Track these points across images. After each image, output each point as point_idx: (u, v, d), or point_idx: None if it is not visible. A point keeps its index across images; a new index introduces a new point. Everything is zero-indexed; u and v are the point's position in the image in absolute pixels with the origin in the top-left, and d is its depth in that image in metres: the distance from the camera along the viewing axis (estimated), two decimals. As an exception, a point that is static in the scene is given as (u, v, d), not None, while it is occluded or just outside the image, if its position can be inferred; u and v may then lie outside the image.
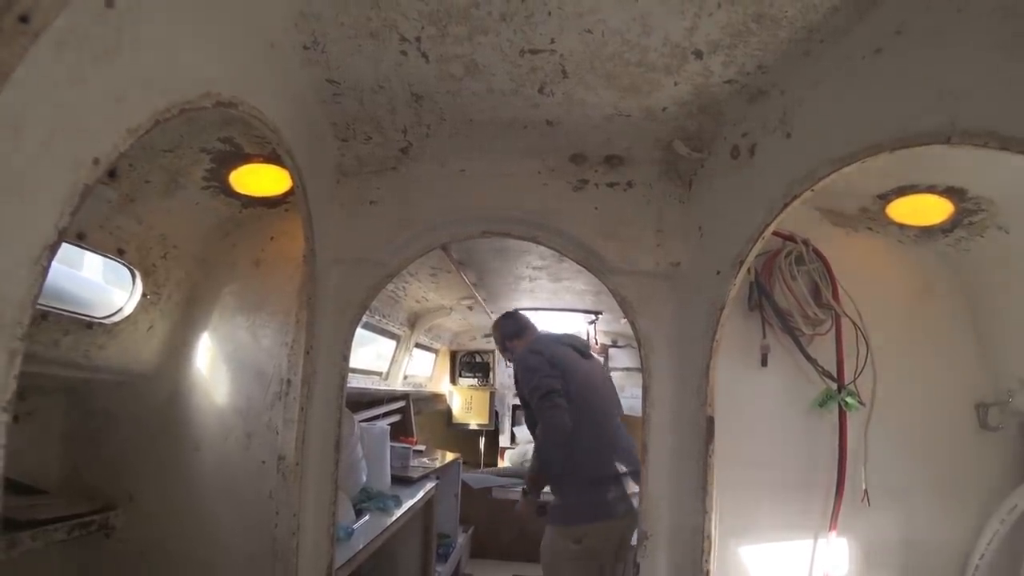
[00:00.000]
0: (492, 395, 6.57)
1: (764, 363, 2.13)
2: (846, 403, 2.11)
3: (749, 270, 2.10)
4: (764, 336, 2.15)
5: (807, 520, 2.15)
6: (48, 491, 2.20)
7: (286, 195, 2.22)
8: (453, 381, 6.62)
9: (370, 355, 4.99)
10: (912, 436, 2.22)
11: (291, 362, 2.03)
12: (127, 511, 2.26)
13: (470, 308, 5.14)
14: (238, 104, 1.31)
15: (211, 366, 2.29)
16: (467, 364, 6.62)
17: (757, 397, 2.15)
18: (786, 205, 1.66)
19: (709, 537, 1.85)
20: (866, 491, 2.14)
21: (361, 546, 2.54)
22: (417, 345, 5.40)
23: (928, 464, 2.21)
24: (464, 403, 6.56)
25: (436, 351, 6.29)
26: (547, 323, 7.20)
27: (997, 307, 2.22)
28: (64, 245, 1.99)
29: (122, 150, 0.94)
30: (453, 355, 6.60)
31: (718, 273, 1.87)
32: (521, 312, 4.23)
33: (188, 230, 2.26)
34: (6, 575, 2.01)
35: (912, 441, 2.22)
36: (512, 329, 3.93)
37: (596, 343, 6.31)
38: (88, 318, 2.08)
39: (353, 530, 2.60)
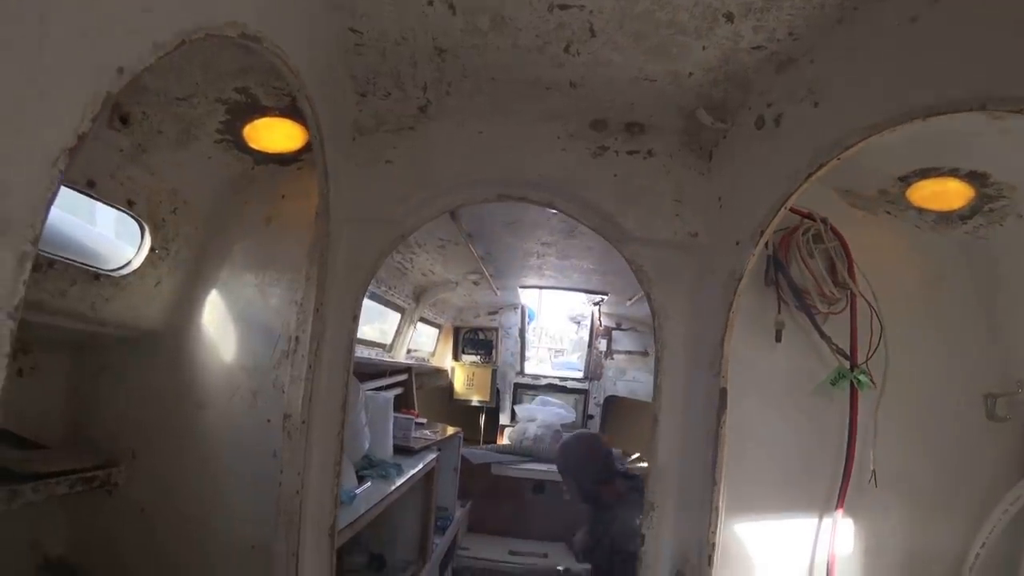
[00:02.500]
0: (494, 372, 6.56)
1: (778, 339, 2.10)
2: (858, 381, 2.09)
3: (767, 244, 2.08)
4: (779, 312, 2.12)
5: (813, 498, 2.14)
6: (49, 447, 2.19)
7: (299, 153, 2.20)
8: (456, 357, 6.59)
9: (374, 333, 4.98)
10: (920, 421, 2.21)
11: (300, 320, 2.01)
12: (130, 468, 2.26)
13: (476, 284, 5.11)
14: (262, 39, 1.28)
15: (218, 324, 2.28)
16: (470, 341, 6.59)
17: (769, 373, 2.13)
18: (811, 174, 1.63)
19: (717, 509, 1.84)
20: (874, 472, 2.12)
21: (363, 511, 2.53)
22: (421, 319, 5.38)
23: (935, 450, 2.20)
24: (466, 379, 6.55)
25: (440, 327, 6.26)
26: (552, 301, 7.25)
27: (1011, 298, 2.21)
28: (76, 198, 2.00)
29: (147, 64, 0.91)
30: (456, 331, 6.58)
31: (737, 243, 1.85)
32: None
33: (199, 185, 2.24)
34: (8, 528, 2.01)
35: (920, 426, 2.21)
36: (607, 469, 3.59)
37: (600, 326, 6.30)
38: (96, 269, 2.06)
39: (356, 495, 2.59)
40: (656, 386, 2.08)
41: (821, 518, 2.14)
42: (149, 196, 2.13)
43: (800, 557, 2.14)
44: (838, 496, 2.10)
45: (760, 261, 2.08)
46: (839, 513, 2.10)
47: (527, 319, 6.91)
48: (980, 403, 2.23)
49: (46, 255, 1.87)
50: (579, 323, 8.09)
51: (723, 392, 1.85)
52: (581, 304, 7.51)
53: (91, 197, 2.00)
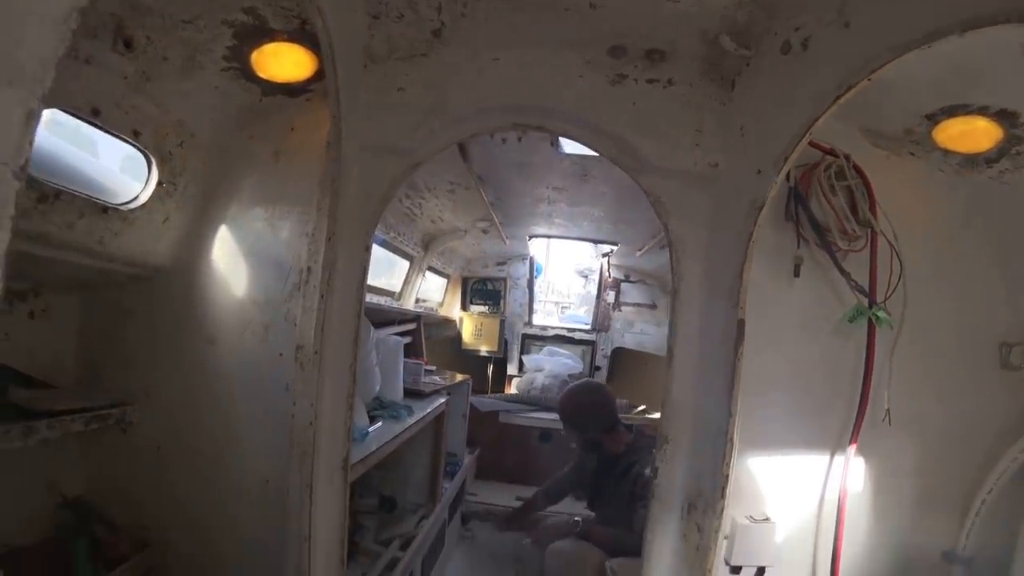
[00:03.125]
0: (502, 323, 6.53)
1: (797, 274, 2.07)
2: (877, 318, 2.07)
3: (788, 175, 2.03)
4: (798, 247, 2.08)
5: (826, 435, 2.14)
6: (59, 387, 2.21)
7: (308, 83, 2.15)
8: (464, 307, 6.56)
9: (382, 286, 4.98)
10: (935, 365, 2.20)
11: (312, 251, 1.98)
12: (143, 407, 2.28)
13: (485, 232, 5.06)
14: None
15: (228, 259, 2.26)
16: (478, 291, 6.54)
17: (787, 309, 2.10)
18: (839, 97, 1.58)
19: (732, 440, 1.83)
20: (888, 411, 2.12)
21: (375, 448, 2.54)
22: (430, 268, 5.36)
23: (949, 394, 2.20)
24: (474, 330, 6.52)
25: (448, 277, 6.24)
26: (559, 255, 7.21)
27: (1032, 247, 2.17)
28: (80, 128, 1.96)
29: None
30: (465, 281, 6.53)
31: (759, 172, 1.80)
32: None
33: (206, 117, 2.20)
34: (25, 468, 2.03)
35: (935, 370, 2.20)
36: (611, 418, 3.68)
37: (609, 277, 6.27)
38: (103, 202, 2.04)
39: (368, 432, 2.61)
40: (672, 321, 2.06)
41: (833, 455, 2.14)
42: (155, 128, 2.09)
43: (811, 493, 2.15)
44: (852, 432, 2.10)
45: (781, 194, 2.04)
46: (852, 449, 2.10)
47: (535, 272, 6.89)
48: (995, 351, 2.23)
49: (52, 185, 1.84)
50: (586, 277, 8.07)
51: (741, 323, 1.83)
52: (589, 258, 7.48)
53: (95, 126, 1.96)
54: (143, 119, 2.04)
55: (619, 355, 6.70)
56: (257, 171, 2.27)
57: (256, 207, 2.23)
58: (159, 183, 2.18)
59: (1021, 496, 2.14)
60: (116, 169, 2.26)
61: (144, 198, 2.16)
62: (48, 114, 1.86)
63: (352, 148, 1.99)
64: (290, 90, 2.19)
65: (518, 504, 4.80)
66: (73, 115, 1.90)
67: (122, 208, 2.10)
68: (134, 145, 2.08)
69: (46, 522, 2.17)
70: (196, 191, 2.28)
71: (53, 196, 1.85)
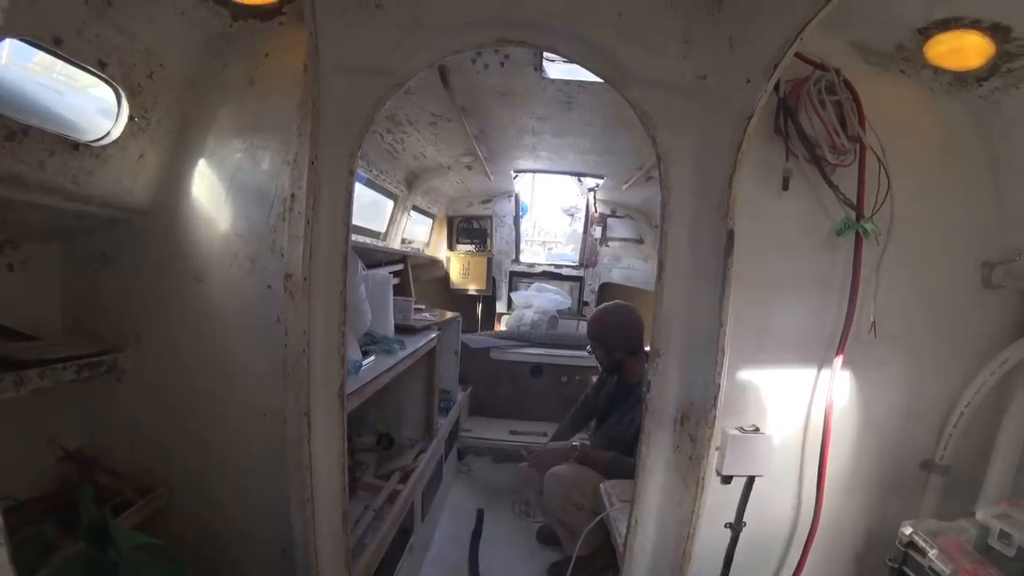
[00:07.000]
0: (490, 261, 6.51)
1: (785, 187, 2.06)
2: (864, 230, 2.08)
3: (778, 88, 2.00)
4: (787, 160, 2.07)
5: (814, 347, 2.18)
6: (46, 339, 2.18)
7: (280, 5, 2.06)
8: (451, 247, 6.54)
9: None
10: (919, 280, 2.23)
11: (295, 177, 1.94)
12: (135, 353, 2.27)
13: (469, 168, 4.97)
14: None
15: (209, 194, 2.21)
16: (464, 230, 6.50)
17: (775, 222, 2.11)
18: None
19: (723, 350, 1.86)
20: (874, 323, 2.15)
21: (369, 379, 2.55)
22: (415, 208, 5.29)
23: (932, 311, 2.25)
24: (462, 269, 6.51)
25: (433, 216, 6.17)
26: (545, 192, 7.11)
27: (1018, 167, 2.18)
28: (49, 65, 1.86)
29: None
30: (450, 221, 6.48)
31: (748, 81, 1.76)
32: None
33: (175, 46, 2.11)
34: (22, 419, 2.03)
35: (919, 285, 2.23)
36: (637, 342, 3.73)
37: (595, 212, 6.24)
38: (74, 139, 1.96)
39: (362, 365, 2.61)
40: (662, 233, 2.05)
41: (820, 367, 2.19)
42: (121, 58, 2.00)
43: (799, 404, 2.21)
44: (838, 344, 2.13)
45: (769, 108, 2.01)
46: (839, 360, 2.14)
47: (520, 210, 6.84)
48: (977, 270, 2.26)
49: (19, 122, 1.77)
50: (572, 216, 8.03)
51: (730, 234, 1.83)
52: (575, 196, 7.43)
53: (59, 57, 1.87)
54: (108, 48, 1.94)
55: (607, 290, 6.74)
56: (233, 100, 2.19)
57: (234, 138, 2.16)
58: (130, 117, 2.10)
59: (997, 410, 2.22)
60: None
61: (116, 134, 2.08)
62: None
63: (331, 69, 1.92)
64: (261, 13, 2.10)
65: (513, 437, 4.91)
66: (34, 45, 1.81)
67: (94, 145, 2.03)
68: (101, 77, 1.99)
69: (50, 475, 2.19)
70: (171, 125, 2.20)
71: (21, 133, 1.78)
